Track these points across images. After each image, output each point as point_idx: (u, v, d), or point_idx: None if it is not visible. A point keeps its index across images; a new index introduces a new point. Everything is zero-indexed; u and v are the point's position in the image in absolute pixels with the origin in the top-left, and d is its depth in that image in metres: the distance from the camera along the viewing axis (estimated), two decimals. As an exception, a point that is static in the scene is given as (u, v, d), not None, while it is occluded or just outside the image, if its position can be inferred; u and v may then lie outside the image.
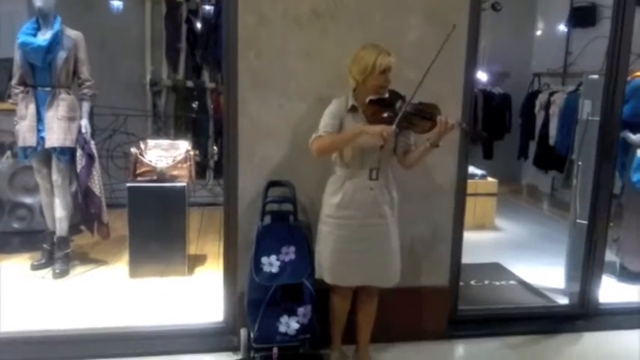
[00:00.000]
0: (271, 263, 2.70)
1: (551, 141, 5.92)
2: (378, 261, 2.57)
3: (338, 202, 2.52)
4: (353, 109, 2.50)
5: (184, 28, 5.82)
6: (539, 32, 7.24)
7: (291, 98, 2.82)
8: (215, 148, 5.90)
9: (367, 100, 2.46)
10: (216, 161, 5.87)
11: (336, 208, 2.53)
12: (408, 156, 2.56)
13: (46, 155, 3.71)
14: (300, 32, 2.79)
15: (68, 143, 3.65)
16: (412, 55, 2.70)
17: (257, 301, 2.68)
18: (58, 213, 3.76)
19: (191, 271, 3.90)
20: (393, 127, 2.36)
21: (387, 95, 2.49)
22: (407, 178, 2.72)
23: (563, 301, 3.62)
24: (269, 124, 2.83)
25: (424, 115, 2.44)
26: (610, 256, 3.57)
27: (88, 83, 3.75)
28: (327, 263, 2.58)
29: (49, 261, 3.84)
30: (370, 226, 2.53)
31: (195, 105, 5.92)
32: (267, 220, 2.81)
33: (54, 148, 3.64)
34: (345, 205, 2.51)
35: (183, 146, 4.01)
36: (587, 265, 3.41)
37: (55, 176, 3.70)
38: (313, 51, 2.81)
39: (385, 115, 2.45)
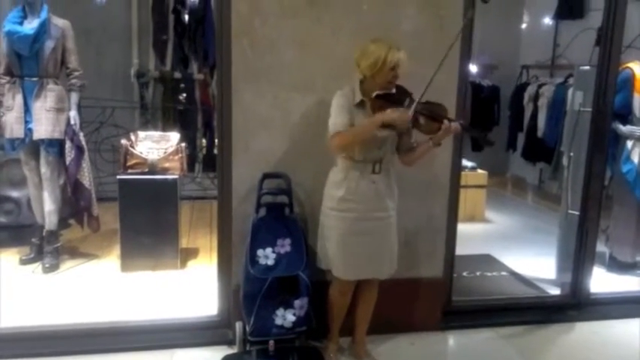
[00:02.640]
0: (267, 255, 2.67)
1: (540, 133, 5.95)
2: (381, 254, 2.57)
3: (342, 195, 2.50)
4: (360, 104, 2.46)
5: (171, 18, 5.74)
6: (527, 24, 7.27)
7: (286, 88, 2.79)
8: (204, 140, 5.86)
9: (374, 95, 2.42)
10: (204, 154, 5.83)
11: (339, 201, 2.50)
12: (409, 154, 2.54)
13: (34, 147, 3.64)
14: (294, 21, 2.75)
15: (57, 135, 3.58)
16: (407, 44, 2.65)
17: (253, 294, 2.66)
18: (47, 206, 3.69)
19: (183, 264, 3.86)
20: (410, 113, 2.34)
21: (394, 91, 2.45)
22: (403, 171, 2.69)
23: (554, 291, 3.65)
24: (263, 115, 2.79)
25: (432, 117, 2.42)
26: (599, 246, 3.60)
27: (76, 73, 3.68)
28: (335, 257, 2.56)
29: (38, 255, 3.78)
30: (373, 220, 2.51)
31: (183, 97, 5.85)
32: (263, 212, 2.78)
33: (42, 140, 3.57)
34: (348, 198, 2.49)
35: (174, 138, 3.96)
36: (578, 255, 3.44)
37: (44, 169, 3.63)
38: (308, 40, 2.78)
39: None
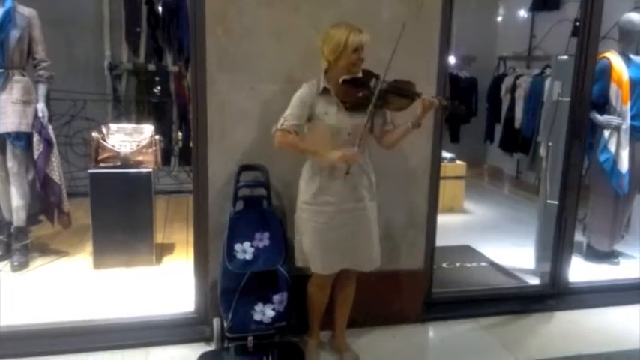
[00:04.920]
0: (245, 250, 2.62)
1: (517, 124, 5.98)
2: (358, 246, 2.52)
3: (316, 189, 2.44)
4: (325, 91, 2.42)
5: (145, 9, 5.60)
6: (503, 16, 7.29)
7: (262, 79, 2.72)
8: (179, 133, 5.75)
9: (340, 80, 2.38)
10: (180, 147, 5.73)
11: (314, 195, 2.44)
12: (388, 136, 2.50)
13: (0, 141, 3.50)
14: (270, 9, 2.68)
15: (24, 128, 3.45)
16: (386, 34, 2.61)
17: (230, 290, 2.60)
18: (15, 202, 3.56)
19: (159, 260, 3.78)
20: (355, 149, 2.32)
21: (360, 74, 2.42)
22: (382, 162, 2.67)
23: (533, 281, 3.66)
24: (240, 106, 2.72)
25: (400, 92, 2.40)
26: (576, 235, 3.62)
27: (44, 64, 3.55)
28: (309, 252, 2.50)
29: (6, 253, 3.67)
30: (348, 211, 2.46)
31: (157, 89, 5.73)
32: (240, 205, 2.72)
33: (9, 134, 3.44)
34: (322, 191, 2.43)
35: (147, 131, 3.85)
36: (557, 245, 3.45)
37: (11, 163, 3.50)
38: (284, 29, 2.71)
39: (360, 94, 2.38)
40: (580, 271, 3.77)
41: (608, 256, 4.10)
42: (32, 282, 3.41)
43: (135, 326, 2.88)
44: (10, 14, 3.36)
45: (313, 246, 2.48)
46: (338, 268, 2.55)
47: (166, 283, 3.43)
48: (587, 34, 3.26)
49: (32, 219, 3.82)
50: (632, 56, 3.89)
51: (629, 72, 3.84)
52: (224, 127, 2.73)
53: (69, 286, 3.36)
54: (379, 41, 2.44)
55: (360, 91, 2.39)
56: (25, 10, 3.47)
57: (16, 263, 3.54)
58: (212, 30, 2.64)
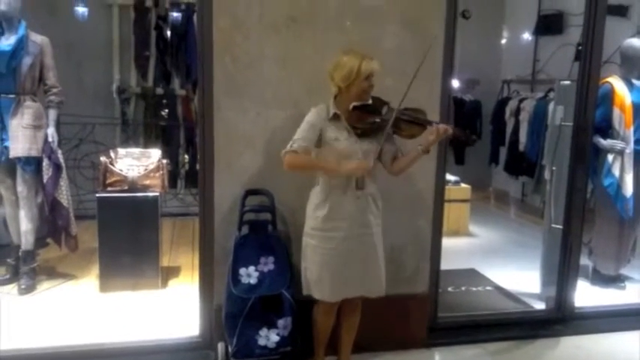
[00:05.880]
0: (249, 274, 2.63)
1: (522, 147, 6.00)
2: (365, 272, 2.52)
3: (325, 215, 2.44)
4: (335, 117, 2.44)
5: (154, 34, 5.71)
6: (507, 40, 7.36)
7: (268, 105, 2.77)
8: (186, 156, 5.81)
9: (351, 106, 2.41)
10: (187, 170, 5.78)
11: (323, 221, 2.45)
12: (397, 162, 2.52)
13: (10, 165, 3.55)
14: (276, 37, 2.74)
15: (34, 153, 3.50)
16: (389, 61, 2.68)
17: (235, 314, 2.62)
18: (24, 226, 3.59)
19: (164, 283, 3.79)
20: (371, 163, 2.38)
21: (370, 101, 2.45)
22: (386, 186, 2.68)
23: (539, 305, 3.64)
24: (246, 132, 2.77)
25: (413, 120, 2.43)
26: (582, 259, 3.60)
27: (54, 90, 3.61)
28: (315, 279, 2.50)
29: (14, 276, 3.68)
30: (355, 237, 2.46)
31: (165, 113, 5.81)
32: (245, 230, 2.74)
33: (19, 158, 3.48)
34: (331, 217, 2.44)
35: (155, 155, 3.90)
36: (562, 269, 3.44)
37: (20, 187, 3.54)
38: (290, 57, 2.76)
39: (371, 121, 2.42)
40: (586, 295, 3.75)
41: (615, 280, 4.07)
42: (39, 305, 3.42)
43: (140, 350, 2.88)
44: (22, 42, 3.44)
45: (321, 273, 2.48)
46: (345, 295, 2.55)
47: (172, 306, 3.44)
48: (589, 58, 3.30)
49: (40, 242, 3.85)
50: (634, 81, 3.92)
51: (632, 96, 3.86)
52: (230, 152, 2.77)
53: (75, 309, 3.37)
54: (384, 69, 2.48)
55: (372, 118, 2.42)
56: (37, 38, 3.55)
57: (23, 286, 3.55)
58: (219, 56, 2.70)
